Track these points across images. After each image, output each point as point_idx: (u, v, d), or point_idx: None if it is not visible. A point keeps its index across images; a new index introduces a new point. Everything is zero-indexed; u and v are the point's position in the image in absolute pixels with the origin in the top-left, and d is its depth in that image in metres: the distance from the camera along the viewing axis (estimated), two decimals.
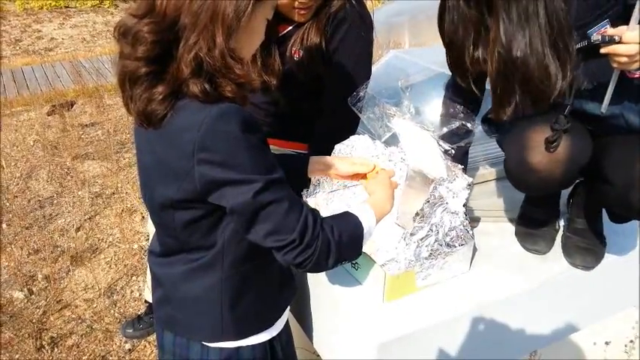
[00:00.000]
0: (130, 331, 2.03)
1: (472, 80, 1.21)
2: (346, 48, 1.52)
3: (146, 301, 2.00)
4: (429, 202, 1.17)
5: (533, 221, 1.45)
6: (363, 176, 1.15)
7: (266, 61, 1.51)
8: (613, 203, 1.24)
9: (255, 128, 0.83)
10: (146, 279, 1.96)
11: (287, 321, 1.10)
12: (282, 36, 1.53)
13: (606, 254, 1.40)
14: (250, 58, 0.92)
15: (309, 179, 1.25)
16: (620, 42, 0.95)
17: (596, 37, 0.97)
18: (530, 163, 1.13)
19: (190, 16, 0.78)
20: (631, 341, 1.75)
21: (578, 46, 1.01)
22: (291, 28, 1.52)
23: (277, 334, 1.04)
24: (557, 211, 1.50)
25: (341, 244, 0.89)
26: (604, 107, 1.08)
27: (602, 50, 0.98)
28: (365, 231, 0.94)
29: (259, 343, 1.00)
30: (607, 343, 1.69)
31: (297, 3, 1.41)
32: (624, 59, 0.97)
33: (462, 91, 1.29)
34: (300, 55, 1.52)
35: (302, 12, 1.45)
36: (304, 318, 1.38)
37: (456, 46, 1.17)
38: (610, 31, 0.98)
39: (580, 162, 1.16)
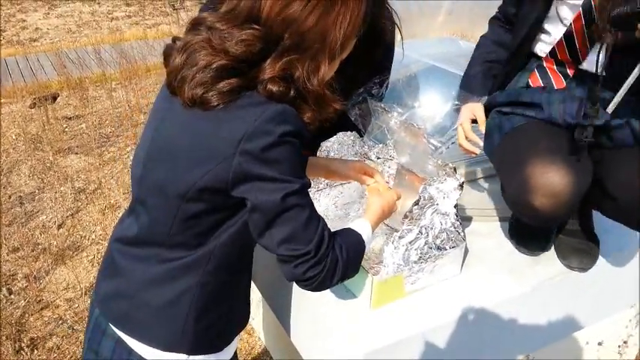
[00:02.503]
0: None
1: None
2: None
3: None
4: (418, 203, 1.12)
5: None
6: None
7: None
8: (614, 216, 1.21)
9: (304, 134, 0.81)
10: None
11: (235, 353, 1.03)
12: None
13: (600, 255, 1.36)
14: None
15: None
16: None
17: None
18: (532, 205, 1.10)
19: (297, 37, 0.78)
20: (624, 342, 1.72)
21: None
22: None
23: None
24: None
25: (348, 264, 0.86)
26: (612, 106, 1.03)
27: None
28: (365, 250, 0.93)
29: None
30: (600, 344, 1.65)
31: None
32: None
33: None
34: None
35: None
36: (287, 324, 1.32)
37: None
38: None
39: (581, 195, 1.13)
